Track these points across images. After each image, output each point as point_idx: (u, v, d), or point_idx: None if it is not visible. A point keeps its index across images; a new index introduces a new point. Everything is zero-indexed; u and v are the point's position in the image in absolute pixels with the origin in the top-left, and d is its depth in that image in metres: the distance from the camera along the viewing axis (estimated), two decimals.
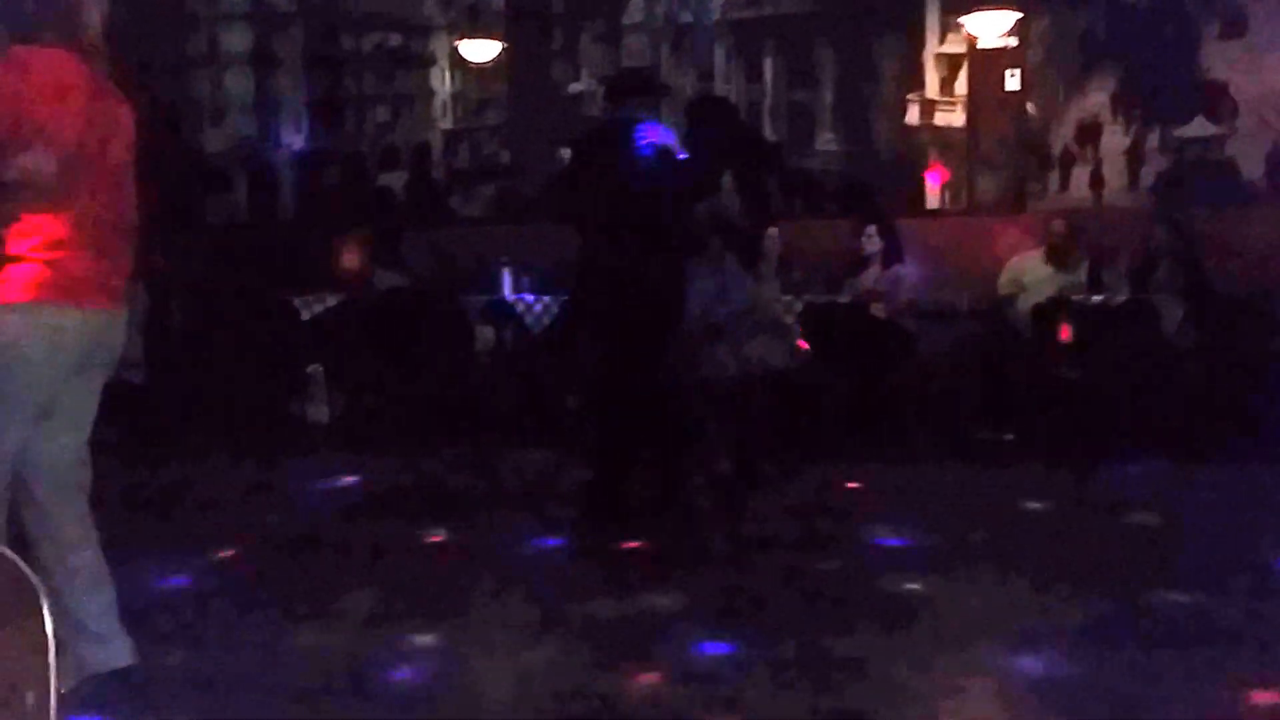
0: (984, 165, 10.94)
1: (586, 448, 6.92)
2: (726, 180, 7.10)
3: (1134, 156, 11.06)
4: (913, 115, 12.55)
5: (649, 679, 4.51)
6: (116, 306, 4.08)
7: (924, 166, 12.16)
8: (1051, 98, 11.50)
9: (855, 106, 13.29)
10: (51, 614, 1.77)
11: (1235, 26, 10.74)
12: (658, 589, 5.55)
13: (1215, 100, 10.63)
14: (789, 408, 8.55)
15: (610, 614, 5.21)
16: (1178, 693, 4.29)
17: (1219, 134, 10.64)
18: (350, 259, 9.65)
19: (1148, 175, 10.82)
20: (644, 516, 6.55)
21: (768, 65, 15.15)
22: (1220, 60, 10.44)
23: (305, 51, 19.59)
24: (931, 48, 12.32)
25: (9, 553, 1.83)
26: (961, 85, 11.81)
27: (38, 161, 3.79)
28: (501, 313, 9.41)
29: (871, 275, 9.30)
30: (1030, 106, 11.12)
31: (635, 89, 6.88)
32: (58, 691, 1.77)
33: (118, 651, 4.11)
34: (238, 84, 19.75)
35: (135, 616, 4.24)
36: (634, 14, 17.34)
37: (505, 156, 14.82)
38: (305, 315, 9.57)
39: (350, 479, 7.82)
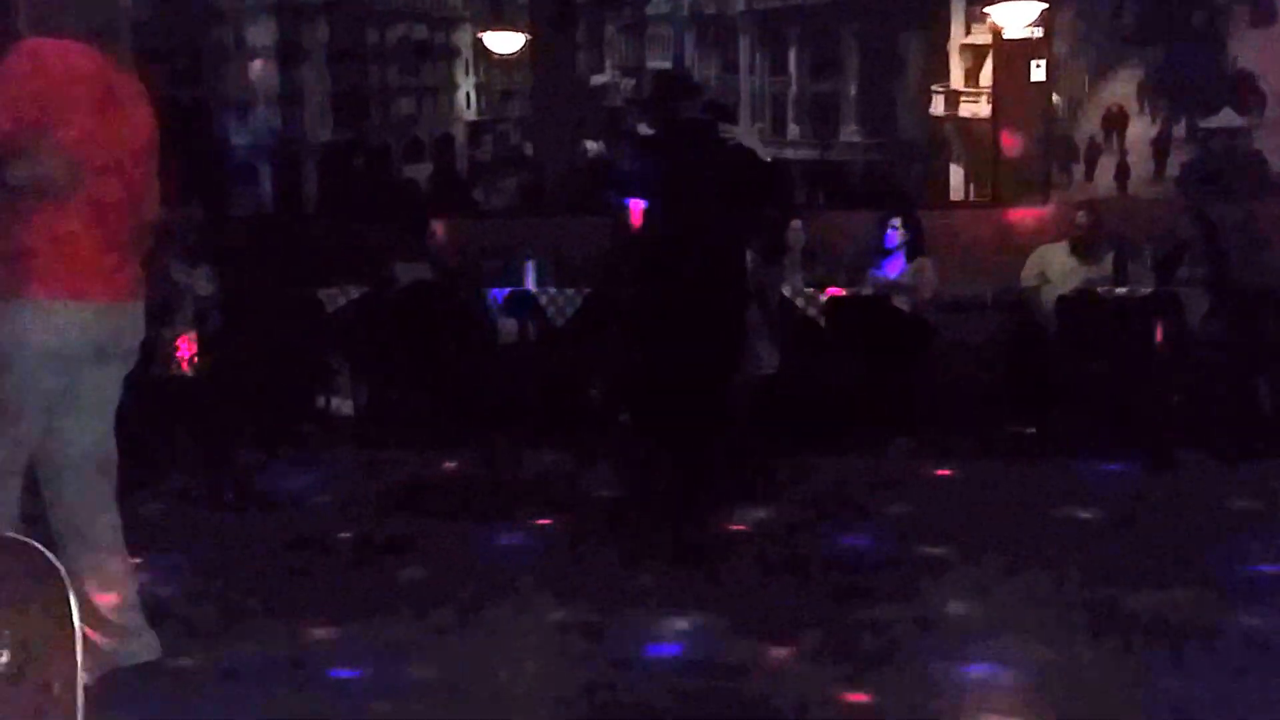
0: (1008, 156, 10.90)
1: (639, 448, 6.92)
2: None
3: (1160, 147, 10.99)
4: (937, 106, 12.49)
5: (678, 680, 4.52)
6: (131, 299, 4.09)
7: (949, 157, 12.14)
8: (1077, 88, 11.41)
9: (880, 98, 13.24)
10: (78, 605, 1.78)
11: (1264, 15, 10.67)
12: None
13: (1243, 91, 10.56)
14: (813, 402, 8.56)
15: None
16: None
17: (1246, 125, 10.57)
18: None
19: (1174, 166, 10.75)
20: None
21: (792, 57, 15.10)
22: (1249, 50, 10.36)
23: (330, 44, 19.60)
24: (957, 38, 12.25)
25: (37, 544, 1.85)
26: (986, 76, 11.73)
27: (52, 166, 3.81)
28: (524, 305, 9.42)
29: (896, 266, 9.29)
30: (1055, 97, 11.05)
31: (680, 93, 6.96)
32: (83, 683, 1.78)
33: (142, 645, 4.13)
34: (262, 77, 19.76)
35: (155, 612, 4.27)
36: (659, 5, 17.30)
37: (529, 149, 14.81)
38: (330, 308, 9.59)
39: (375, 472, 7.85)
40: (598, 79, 17.80)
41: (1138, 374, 8.45)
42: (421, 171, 14.05)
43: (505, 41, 14.26)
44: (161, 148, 4.23)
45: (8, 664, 1.71)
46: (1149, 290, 8.82)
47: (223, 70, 15.49)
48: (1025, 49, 10.74)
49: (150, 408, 4.23)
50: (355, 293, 9.53)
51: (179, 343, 8.66)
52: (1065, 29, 11.05)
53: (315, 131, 16.88)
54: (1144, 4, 11.03)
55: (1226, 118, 10.20)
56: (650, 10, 16.56)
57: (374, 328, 9.41)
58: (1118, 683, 4.34)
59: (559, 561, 5.93)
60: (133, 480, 4.29)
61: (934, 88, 12.55)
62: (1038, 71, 10.71)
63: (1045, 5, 10.51)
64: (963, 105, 12.11)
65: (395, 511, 6.90)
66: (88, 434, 4.10)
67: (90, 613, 3.95)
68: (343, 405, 9.50)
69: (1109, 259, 9.27)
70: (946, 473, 7.71)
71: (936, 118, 12.42)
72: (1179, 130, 10.75)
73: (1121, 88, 11.11)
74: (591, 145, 13.80)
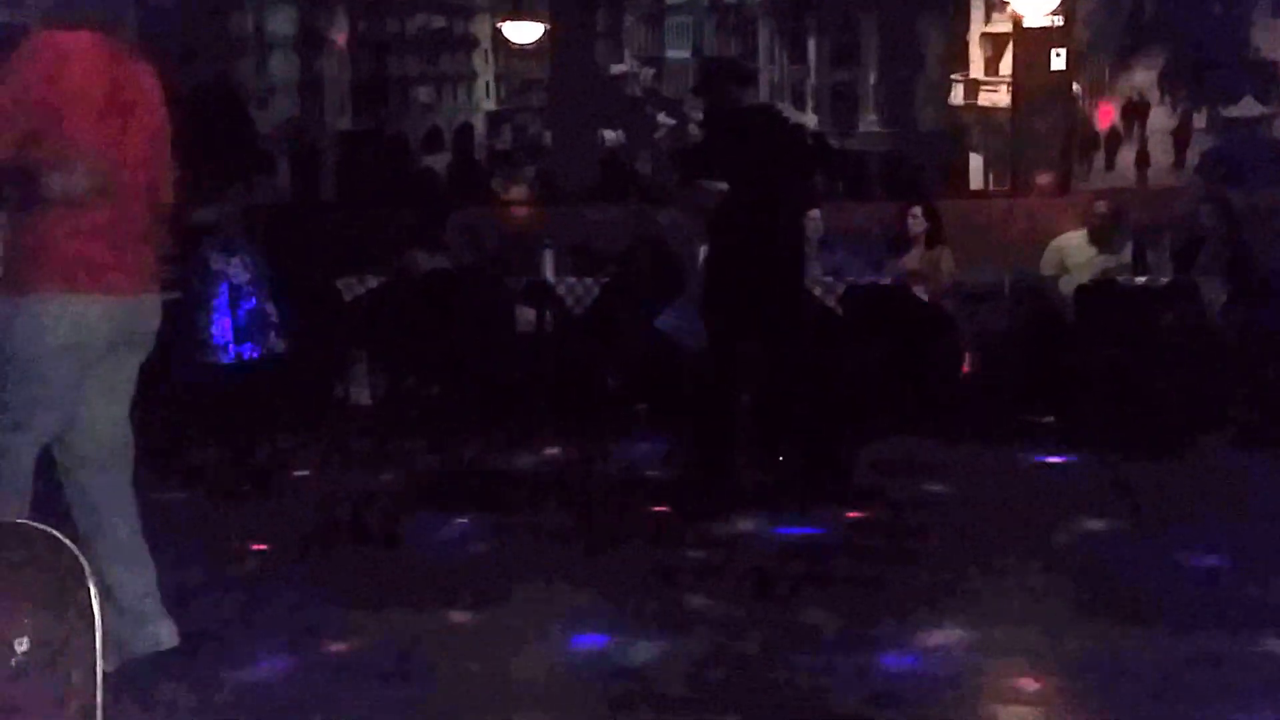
0: (1028, 145, 10.87)
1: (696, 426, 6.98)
2: None
3: (1180, 136, 10.95)
4: (957, 95, 12.48)
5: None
6: (147, 290, 4.11)
7: (968, 146, 12.12)
8: (1098, 77, 11.39)
9: (899, 87, 13.22)
10: (96, 592, 1.79)
11: None
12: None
13: (1264, 80, 10.51)
14: (830, 389, 8.55)
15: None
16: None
17: (1267, 114, 10.53)
18: None
19: (1194, 155, 10.72)
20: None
21: (811, 45, 15.10)
22: (1270, 39, 10.34)
23: (350, 33, 19.62)
24: (977, 27, 12.24)
25: (54, 531, 1.86)
26: (1007, 65, 11.70)
27: (85, 178, 3.83)
28: (542, 294, 9.42)
29: (914, 256, 9.27)
30: (1076, 86, 11.02)
31: (732, 78, 7.09)
32: (101, 670, 1.79)
33: (160, 633, 4.15)
34: (282, 66, 19.79)
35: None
36: None
37: (547, 138, 14.81)
38: (348, 297, 9.59)
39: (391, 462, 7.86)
40: (617, 68, 17.81)
41: (1156, 363, 8.42)
42: (440, 161, 14.06)
43: (524, 31, 14.26)
44: (195, 138, 4.25)
45: (26, 652, 1.72)
46: (1168, 280, 8.78)
47: (243, 59, 15.53)
48: (1046, 37, 10.70)
49: (174, 396, 4.24)
50: (373, 282, 9.53)
51: (213, 330, 8.70)
52: (1086, 17, 11.00)
53: (334, 120, 16.91)
54: None
55: (1248, 106, 10.17)
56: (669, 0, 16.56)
57: (392, 317, 9.41)
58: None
59: (572, 554, 5.93)
60: (152, 467, 4.30)
61: (954, 77, 12.54)
62: (1058, 60, 10.68)
63: None
64: (982, 94, 12.11)
65: (413, 500, 6.91)
66: (105, 423, 4.12)
67: (109, 600, 3.97)
68: (360, 394, 9.51)
69: (1128, 248, 9.23)
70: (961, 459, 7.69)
71: (956, 107, 12.40)
72: (1200, 119, 10.72)
73: (1143, 76, 11.07)
74: (610, 134, 13.81)
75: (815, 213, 9.64)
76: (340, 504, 6.68)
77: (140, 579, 4.13)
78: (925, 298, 9.02)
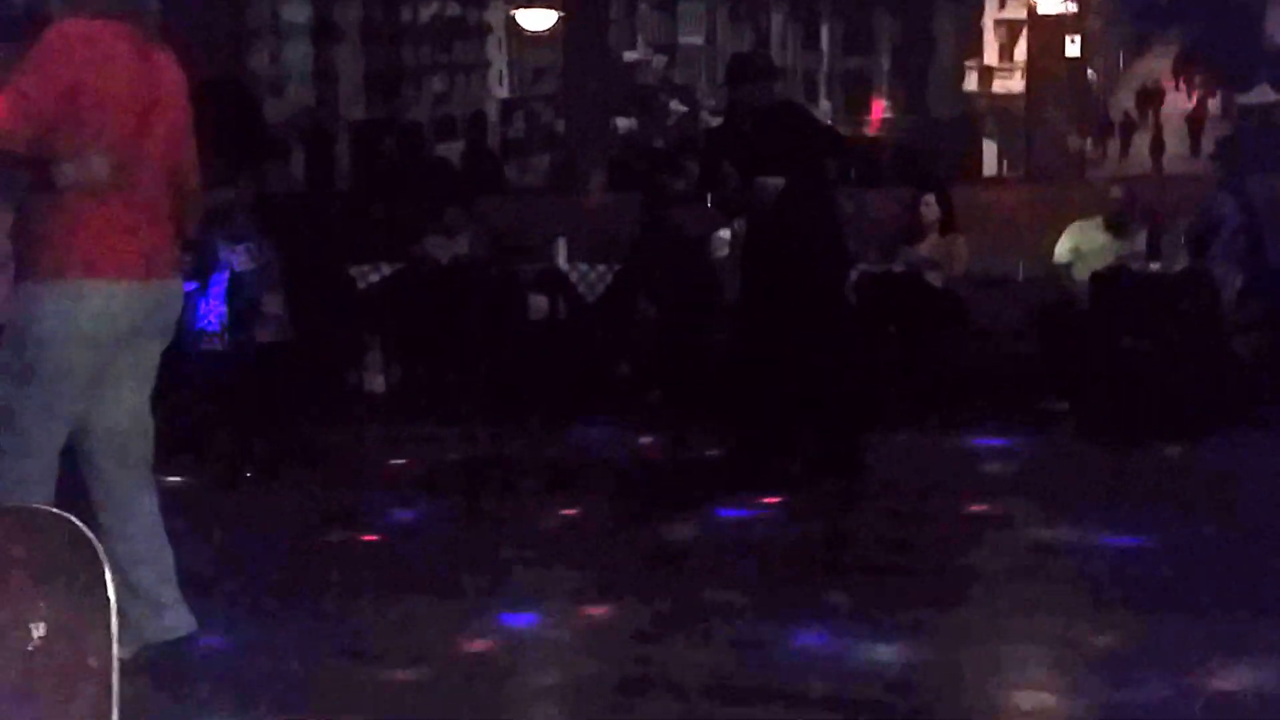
0: (1042, 132, 10.85)
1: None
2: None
3: (1194, 123, 10.92)
4: (971, 82, 12.45)
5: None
6: (168, 277, 4.12)
7: (982, 133, 12.09)
8: (1112, 64, 11.35)
9: (913, 74, 13.19)
10: (113, 577, 1.80)
11: None
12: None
13: (1278, 67, 10.47)
14: (843, 377, 8.55)
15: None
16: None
17: None
18: None
19: (1208, 142, 10.68)
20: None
21: (824, 32, 15.07)
22: None
23: (364, 22, 19.63)
24: (991, 13, 12.20)
25: (71, 516, 1.87)
26: (1021, 52, 11.68)
27: (98, 167, 3.85)
28: (555, 282, 9.43)
29: (927, 243, 9.26)
30: (1090, 73, 10.99)
31: (756, 73, 7.14)
32: (118, 657, 1.80)
33: (177, 619, 4.16)
34: (297, 55, 19.82)
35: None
36: None
37: (560, 126, 14.81)
38: (361, 285, 9.61)
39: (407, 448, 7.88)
40: (630, 55, 17.78)
41: (1171, 350, 8.40)
42: (454, 149, 14.06)
43: (537, 19, 14.26)
44: (205, 126, 4.26)
45: (43, 636, 1.73)
46: (1182, 267, 8.76)
47: (258, 48, 15.54)
48: (1060, 24, 10.67)
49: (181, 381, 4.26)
50: (387, 269, 9.54)
51: (211, 317, 8.69)
52: (1101, 4, 10.97)
53: (348, 109, 16.92)
54: None
55: (1263, 93, 10.13)
56: None
57: (406, 304, 9.42)
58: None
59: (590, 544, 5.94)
60: (165, 454, 4.31)
61: (968, 64, 12.51)
62: (1072, 47, 10.66)
63: None
64: (997, 81, 12.07)
65: (428, 487, 6.92)
66: (125, 409, 4.13)
67: (126, 586, 3.99)
68: (374, 381, 9.53)
69: (1143, 235, 9.21)
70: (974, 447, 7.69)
71: (970, 94, 12.38)
72: (1214, 106, 10.68)
73: (1157, 63, 11.03)
74: (623, 122, 13.80)
75: None
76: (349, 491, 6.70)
77: (158, 566, 4.15)
78: (938, 285, 9.01)
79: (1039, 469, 7.23)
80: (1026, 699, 4.13)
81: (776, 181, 6.67)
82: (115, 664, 1.77)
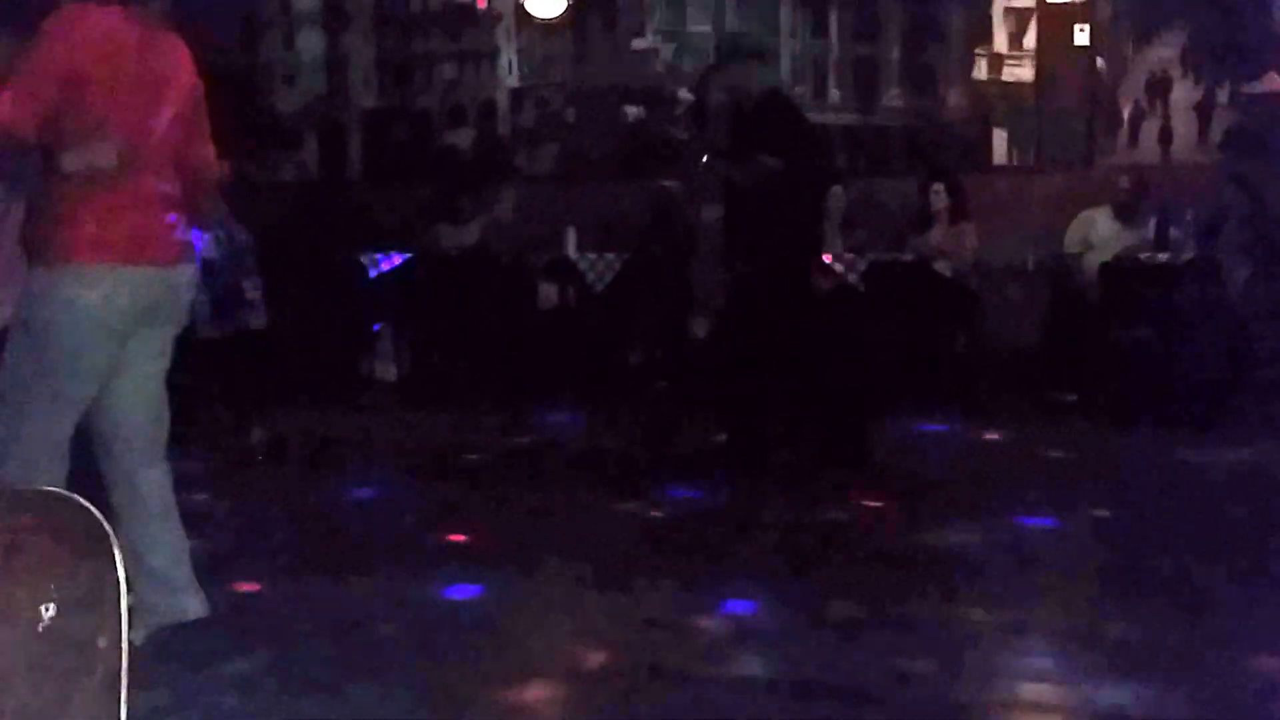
0: (1052, 121, 10.83)
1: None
2: None
3: (1203, 112, 10.90)
4: (980, 70, 12.42)
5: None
6: (177, 262, 4.13)
7: (992, 122, 12.07)
8: (1121, 53, 11.33)
9: (922, 62, 13.17)
10: (124, 561, 1.82)
11: None
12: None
13: None
14: (853, 366, 8.56)
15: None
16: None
17: None
18: None
19: (1217, 132, 10.66)
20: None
21: (833, 20, 15.05)
22: None
23: (375, 9, 19.61)
24: (1001, 1, 12.19)
25: (81, 499, 1.89)
26: (1031, 40, 11.66)
27: (98, 154, 3.86)
28: (564, 270, 9.44)
29: (938, 232, 9.26)
30: (1100, 61, 10.97)
31: (745, 55, 7.07)
32: (129, 640, 1.81)
33: (190, 603, 4.18)
34: (308, 43, 19.80)
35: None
36: None
37: (570, 114, 14.79)
38: (373, 273, 9.63)
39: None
40: (639, 43, 17.76)
41: (1179, 340, 8.40)
42: (464, 137, 14.05)
43: (547, 6, 14.24)
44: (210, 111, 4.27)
45: (53, 619, 1.75)
46: (1191, 256, 8.76)
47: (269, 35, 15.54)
48: (1069, 13, 10.65)
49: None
50: (397, 257, 9.56)
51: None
52: None
53: (359, 97, 16.92)
54: None
55: (1272, 82, 10.10)
56: None
57: (418, 292, 9.44)
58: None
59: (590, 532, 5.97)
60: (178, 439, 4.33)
61: (977, 51, 12.49)
62: (1081, 36, 10.64)
63: None
64: (1006, 69, 12.06)
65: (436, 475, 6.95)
66: (139, 393, 4.15)
67: (139, 569, 4.01)
68: (386, 369, 9.55)
69: (1151, 224, 9.20)
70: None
71: (980, 82, 12.36)
72: (1223, 95, 10.66)
73: (1166, 52, 11.01)
74: (632, 110, 13.77)
75: (838, 189, 9.64)
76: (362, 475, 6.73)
77: (172, 549, 4.16)
78: (948, 274, 9.01)
79: (1046, 458, 7.26)
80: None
81: (774, 162, 6.58)
82: (125, 646, 1.78)
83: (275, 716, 3.79)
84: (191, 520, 4.33)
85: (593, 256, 9.33)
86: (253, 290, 8.12)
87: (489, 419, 8.16)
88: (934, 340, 8.89)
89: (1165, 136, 10.55)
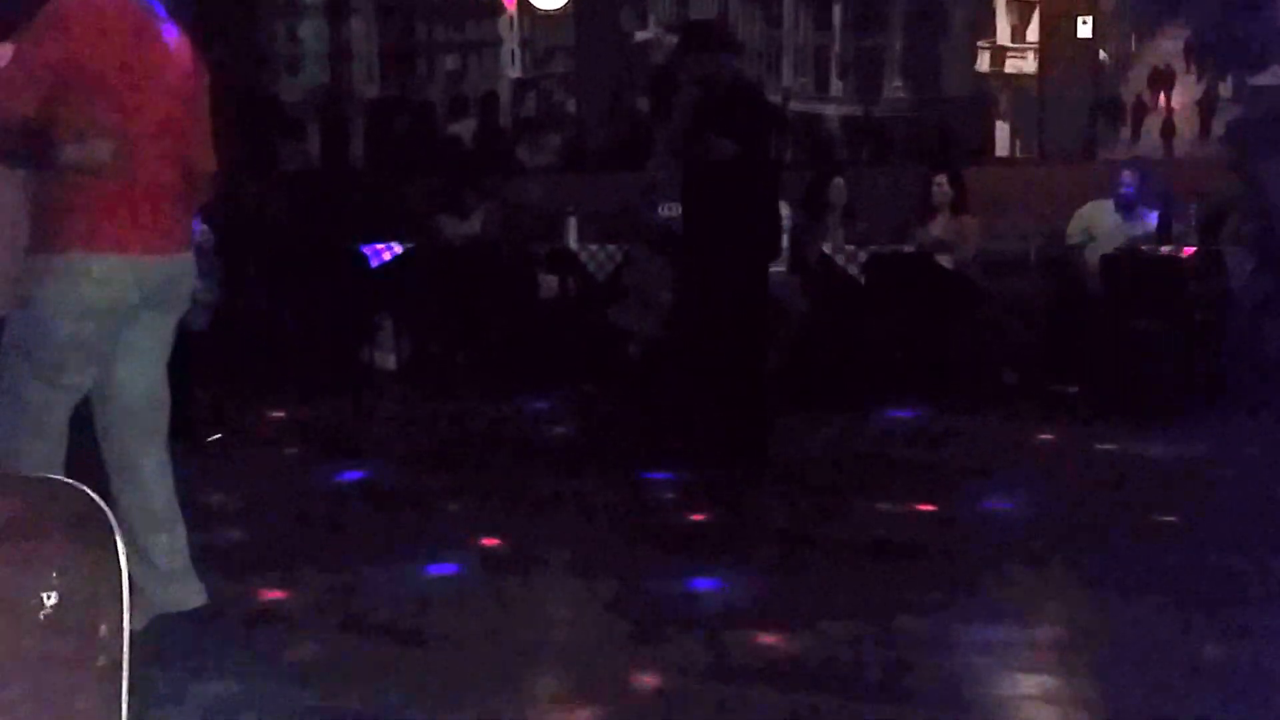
0: (1055, 113, 10.82)
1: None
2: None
3: (1206, 105, 10.89)
4: (983, 62, 12.41)
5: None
6: (177, 250, 4.13)
7: (994, 114, 12.06)
8: (1124, 45, 11.32)
9: (925, 53, 13.16)
10: (125, 548, 1.81)
11: None
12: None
13: None
14: (856, 357, 8.57)
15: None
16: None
17: None
18: None
19: (1220, 125, 10.64)
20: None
21: (836, 11, 15.04)
22: None
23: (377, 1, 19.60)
24: None
25: (83, 486, 1.88)
26: (1033, 32, 11.65)
27: (95, 149, 3.86)
28: (566, 261, 9.44)
29: (939, 224, 9.25)
30: (1103, 54, 10.95)
31: (714, 44, 6.93)
32: (130, 628, 1.82)
33: (188, 592, 4.19)
34: (312, 33, 19.80)
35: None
36: None
37: (572, 105, 14.78)
38: (374, 263, 9.63)
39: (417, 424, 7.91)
40: (641, 35, 17.75)
41: (1182, 333, 8.39)
42: (466, 128, 14.03)
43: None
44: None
45: (55, 605, 1.75)
46: (1194, 249, 8.75)
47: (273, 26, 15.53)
48: (1072, 5, 10.65)
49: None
50: (399, 248, 9.55)
51: None
52: None
53: (361, 87, 16.90)
54: None
55: (1274, 75, 10.09)
56: None
57: (418, 283, 9.44)
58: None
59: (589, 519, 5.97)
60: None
61: (980, 43, 12.48)
62: (1084, 28, 10.63)
63: None
64: (1009, 61, 12.04)
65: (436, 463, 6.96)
66: (140, 381, 4.16)
67: (139, 557, 4.02)
68: (385, 359, 9.56)
69: (1154, 217, 9.19)
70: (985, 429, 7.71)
71: (982, 74, 12.35)
72: (1226, 88, 10.65)
73: (1169, 45, 11.00)
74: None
75: (839, 180, 9.64)
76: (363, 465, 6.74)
77: (172, 538, 4.18)
78: (950, 266, 9.00)
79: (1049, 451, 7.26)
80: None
81: (729, 145, 6.45)
82: (127, 634, 1.78)
83: (275, 705, 3.79)
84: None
85: (594, 248, 9.32)
86: (205, 293, 7.96)
87: (486, 408, 8.16)
88: (935, 332, 8.87)
89: (1168, 129, 10.54)
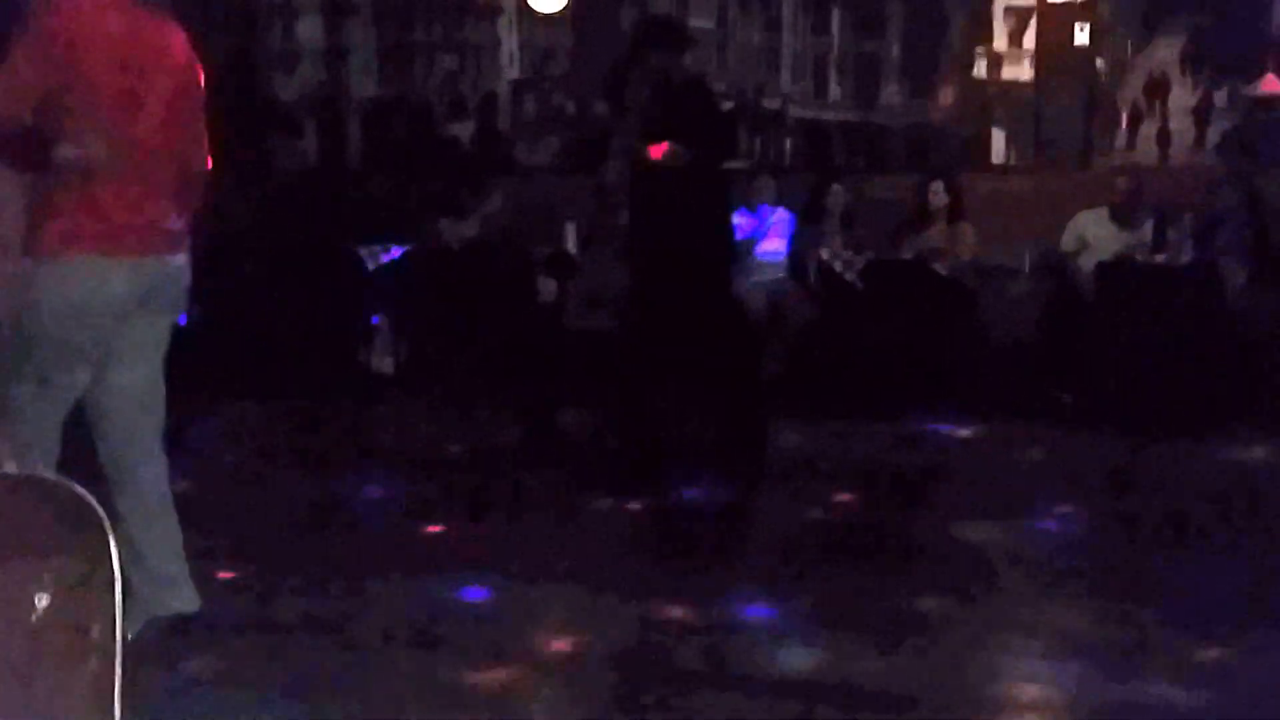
0: (1050, 120, 10.83)
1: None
2: None
3: (1201, 114, 10.90)
4: (980, 69, 12.41)
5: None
6: (169, 251, 4.10)
7: (990, 121, 12.07)
8: (1120, 53, 11.32)
9: (922, 60, 13.16)
10: (119, 551, 1.82)
11: None
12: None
13: None
14: (850, 364, 8.57)
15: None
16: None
17: None
18: None
19: (1215, 134, 10.66)
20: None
21: (835, 16, 15.04)
22: None
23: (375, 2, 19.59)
24: (1001, 1, 12.18)
25: (76, 486, 1.88)
26: (1030, 39, 11.66)
27: (91, 150, 3.85)
28: (565, 265, 9.43)
29: (936, 231, 9.25)
30: (1099, 62, 10.96)
31: (669, 41, 6.71)
32: (123, 631, 1.82)
33: (182, 596, 4.18)
34: (309, 32, 19.77)
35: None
36: None
37: (570, 107, 14.77)
38: (371, 265, 9.60)
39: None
40: None
41: (1176, 342, 8.39)
42: (464, 129, 14.04)
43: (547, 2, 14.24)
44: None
45: (47, 607, 1.75)
46: (1188, 258, 8.76)
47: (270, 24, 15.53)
48: (1069, 12, 10.66)
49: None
50: (397, 250, 9.53)
51: None
52: None
53: (360, 87, 16.90)
54: None
55: (1269, 85, 10.10)
56: None
57: (416, 285, 9.42)
58: None
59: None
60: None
61: (977, 50, 12.48)
62: (1081, 35, 10.65)
63: None
64: (1006, 69, 12.05)
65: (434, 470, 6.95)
66: (135, 383, 4.14)
67: (132, 560, 4.02)
68: (383, 362, 9.52)
69: (1149, 226, 9.20)
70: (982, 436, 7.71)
71: (979, 80, 12.35)
72: (1221, 97, 10.67)
73: (1165, 54, 11.01)
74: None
75: (837, 186, 9.65)
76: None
77: (166, 541, 4.16)
78: (945, 273, 9.01)
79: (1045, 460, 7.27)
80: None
81: (682, 150, 6.25)
82: (120, 636, 1.78)
83: (264, 712, 3.80)
84: None
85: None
86: None
87: (484, 413, 8.15)
88: (931, 338, 8.87)
89: (1163, 137, 10.55)
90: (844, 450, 7.37)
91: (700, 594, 4.86)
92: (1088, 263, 9.06)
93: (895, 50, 13.69)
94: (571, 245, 9.36)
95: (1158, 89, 10.79)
